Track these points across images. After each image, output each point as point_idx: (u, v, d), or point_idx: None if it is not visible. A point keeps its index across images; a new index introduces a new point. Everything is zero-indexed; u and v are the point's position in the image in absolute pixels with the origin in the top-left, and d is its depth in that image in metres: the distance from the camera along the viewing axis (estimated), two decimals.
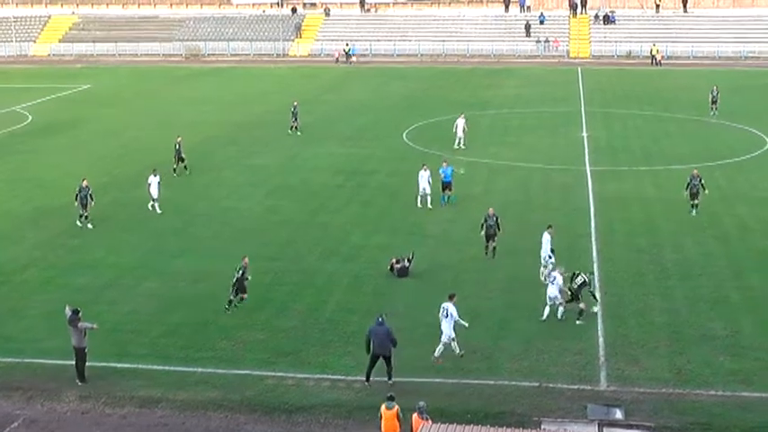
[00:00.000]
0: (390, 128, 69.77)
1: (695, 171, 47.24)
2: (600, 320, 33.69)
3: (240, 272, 34.89)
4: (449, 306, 30.90)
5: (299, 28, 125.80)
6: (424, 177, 48.10)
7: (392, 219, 46.61)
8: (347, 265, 39.78)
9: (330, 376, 29.63)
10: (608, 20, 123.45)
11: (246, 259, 35.51)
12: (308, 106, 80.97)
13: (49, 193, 52.10)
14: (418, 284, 37.38)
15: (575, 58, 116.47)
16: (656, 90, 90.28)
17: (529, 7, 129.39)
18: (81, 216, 45.55)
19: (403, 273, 38.10)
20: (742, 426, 25.76)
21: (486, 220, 40.49)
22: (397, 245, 40.82)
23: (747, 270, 38.98)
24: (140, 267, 39.96)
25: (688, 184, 46.81)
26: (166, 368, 30.26)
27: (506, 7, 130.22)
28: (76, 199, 45.43)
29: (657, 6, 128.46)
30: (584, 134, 67.43)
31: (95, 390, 28.81)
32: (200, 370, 30.10)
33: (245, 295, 34.94)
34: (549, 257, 37.24)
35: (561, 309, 33.88)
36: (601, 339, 32.22)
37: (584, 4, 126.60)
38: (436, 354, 30.65)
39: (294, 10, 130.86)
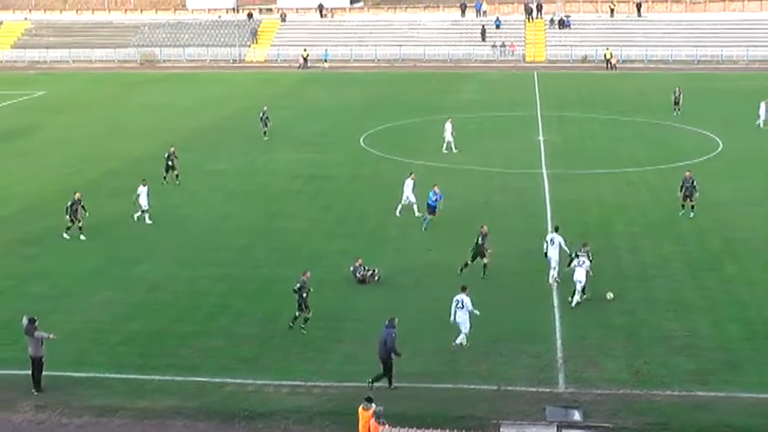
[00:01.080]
0: (348, 133, 69.79)
1: (688, 173, 47.36)
2: (558, 323, 33.88)
3: (298, 286, 33.37)
4: (463, 297, 32.09)
5: (255, 33, 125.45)
6: (409, 186, 47.48)
7: (351, 223, 46.62)
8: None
9: (290, 382, 29.57)
10: (563, 24, 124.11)
11: (309, 273, 34.27)
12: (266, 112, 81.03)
13: (1, 202, 51.57)
14: (379, 289, 37.37)
15: (531, 62, 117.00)
16: (611, 94, 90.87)
17: (485, 12, 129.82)
18: (69, 228, 44.60)
19: (363, 281, 38.04)
20: (698, 425, 25.98)
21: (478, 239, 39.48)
22: (356, 250, 40.77)
23: (703, 271, 39.34)
24: (97, 276, 39.69)
25: (682, 186, 46.93)
26: (124, 376, 30.08)
27: (463, 12, 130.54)
28: (67, 212, 44.35)
29: (612, 11, 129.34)
30: (541, 138, 67.74)
31: (52, 399, 28.53)
32: (158, 378, 29.94)
33: (309, 312, 33.51)
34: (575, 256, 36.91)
35: (577, 296, 35.23)
36: (559, 342, 32.41)
37: (539, 9, 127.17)
38: (458, 342, 31.91)
39: (250, 15, 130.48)
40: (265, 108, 69.27)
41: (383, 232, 45.27)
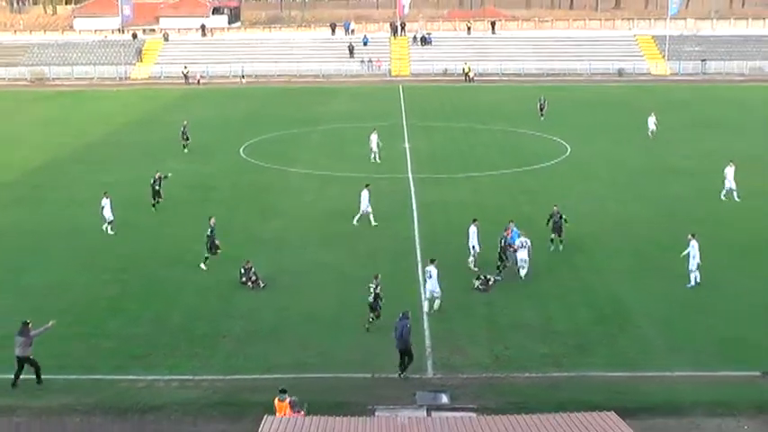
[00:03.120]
0: (229, 144, 69.18)
1: (555, 207, 42.50)
2: (425, 315, 34.13)
3: (210, 231, 39.82)
4: (431, 268, 34.33)
5: (139, 52, 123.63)
6: (365, 197, 46.28)
7: (233, 229, 46.20)
8: (193, 274, 39.28)
9: (179, 377, 29.23)
10: (425, 41, 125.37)
11: (213, 219, 40.80)
12: (152, 126, 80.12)
13: None
14: (259, 288, 37.13)
15: (396, 76, 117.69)
16: (469, 104, 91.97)
17: (353, 30, 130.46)
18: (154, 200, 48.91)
19: (251, 283, 37.63)
20: (554, 403, 26.37)
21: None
22: (239, 253, 40.44)
23: (557, 262, 40.09)
24: None
25: (549, 220, 42.21)
26: (22, 377, 29.12)
27: (332, 31, 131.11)
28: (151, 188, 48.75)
29: (469, 29, 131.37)
30: (407, 145, 68.19)
31: None
32: (55, 377, 29.19)
33: (219, 251, 39.72)
34: (474, 248, 38.79)
35: (523, 271, 37.51)
36: (427, 332, 32.65)
37: (403, 28, 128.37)
38: (426, 309, 34.18)
39: (135, 36, 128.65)
40: (185, 123, 67.95)
41: (262, 235, 45.03)
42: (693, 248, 36.79)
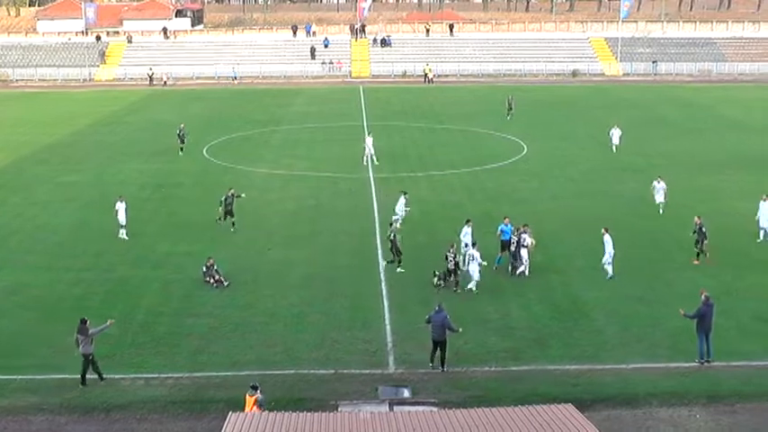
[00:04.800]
0: (192, 145, 68.56)
1: (522, 227, 39.02)
2: (387, 312, 34.10)
3: (224, 199, 43.57)
4: (473, 252, 36.17)
5: (103, 54, 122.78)
6: (401, 203, 45.02)
7: (196, 227, 45.95)
8: (156, 272, 38.95)
9: (144, 375, 28.92)
10: (385, 43, 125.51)
11: (233, 190, 44.48)
12: (115, 127, 79.53)
13: None
14: (222, 286, 36.88)
15: (357, 77, 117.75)
16: (429, 105, 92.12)
17: (314, 32, 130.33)
18: (220, 221, 45.39)
19: (213, 281, 37.30)
20: (513, 396, 26.45)
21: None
22: (201, 251, 40.23)
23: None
24: None
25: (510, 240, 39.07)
26: (20, 377, 28.79)
27: (294, 33, 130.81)
28: (220, 205, 45.32)
29: (428, 31, 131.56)
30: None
31: None
32: (20, 377, 28.82)
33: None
34: (467, 246, 38.46)
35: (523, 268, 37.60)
36: (389, 328, 32.61)
37: (363, 30, 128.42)
38: (469, 286, 35.82)
39: (98, 38, 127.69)
40: (182, 125, 67.00)
41: (226, 235, 44.75)
42: (608, 243, 37.32)
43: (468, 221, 39.81)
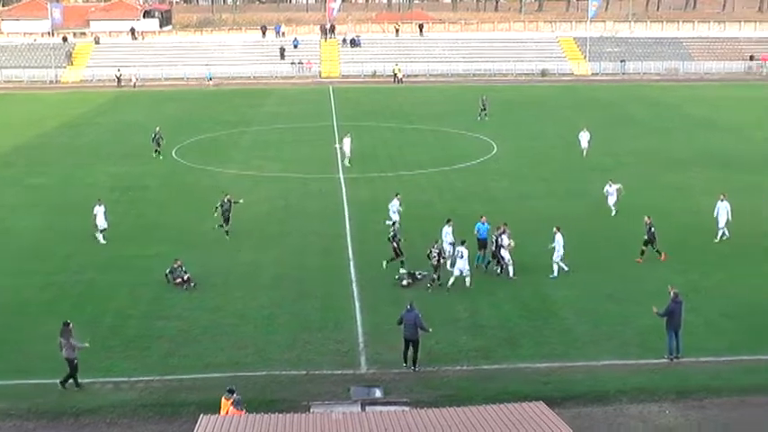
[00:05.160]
0: (154, 145, 68.31)
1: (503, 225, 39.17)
2: (358, 312, 34.11)
3: (220, 205, 42.79)
4: (463, 249, 36.18)
5: (70, 56, 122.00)
6: (395, 205, 44.38)
7: (164, 229, 45.76)
8: (125, 275, 38.71)
9: (113, 379, 28.73)
10: (354, 43, 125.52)
11: (230, 196, 43.61)
12: (83, 129, 79.03)
13: None
14: (192, 288, 36.73)
15: (326, 77, 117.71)
16: (398, 105, 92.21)
17: (284, 33, 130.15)
18: (222, 227, 43.89)
19: (180, 282, 37.18)
20: (484, 394, 26.53)
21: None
22: (169, 253, 40.04)
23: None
24: None
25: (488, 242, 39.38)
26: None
27: (263, 33, 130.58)
28: (216, 210, 44.13)
29: (397, 31, 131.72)
30: (338, 146, 67.88)
31: None
32: None
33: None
34: (452, 245, 38.49)
35: (511, 269, 37.77)
36: (359, 329, 32.61)
37: (332, 30, 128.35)
38: (449, 284, 36.11)
39: (65, 39, 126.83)
40: (158, 129, 65.97)
41: (195, 236, 44.63)
42: (558, 243, 37.76)
43: (448, 221, 39.73)
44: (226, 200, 44.25)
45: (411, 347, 29.38)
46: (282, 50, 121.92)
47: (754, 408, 26.77)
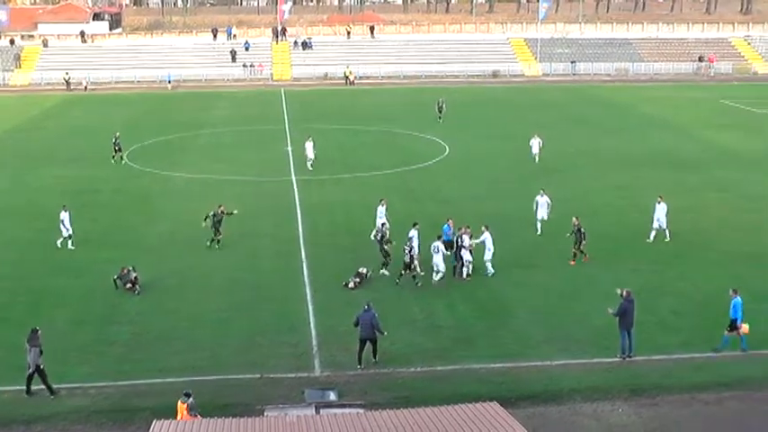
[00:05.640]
0: (111, 150, 67.70)
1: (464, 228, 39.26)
2: (311, 315, 34.07)
3: (213, 215, 41.54)
4: (438, 244, 37.20)
5: (18, 59, 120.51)
6: (381, 212, 42.85)
7: (117, 234, 45.40)
8: (78, 280, 38.38)
9: (67, 385, 28.44)
10: (306, 46, 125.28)
11: (223, 207, 42.34)
12: (31, 133, 78.14)
13: None
14: (144, 293, 36.49)
15: (278, 80, 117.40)
16: (351, 107, 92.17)
17: (235, 35, 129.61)
18: (213, 240, 42.46)
19: (129, 286, 36.88)
20: (439, 395, 26.58)
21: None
22: (122, 258, 39.76)
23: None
24: None
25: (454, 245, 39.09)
26: None
27: (214, 36, 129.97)
28: (205, 220, 42.44)
29: (348, 33, 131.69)
30: (289, 148, 67.93)
31: None
32: None
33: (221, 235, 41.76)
34: (383, 225, 40.44)
35: (465, 270, 37.94)
36: (313, 331, 32.57)
37: (284, 32, 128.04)
38: (435, 279, 36.92)
39: (12, 41, 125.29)
40: (117, 134, 64.65)
41: (147, 239, 44.35)
42: (488, 240, 38.18)
43: (415, 225, 39.13)
44: (219, 211, 42.66)
45: (370, 345, 29.61)
46: (234, 53, 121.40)
47: (706, 405, 27.10)
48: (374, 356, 29.75)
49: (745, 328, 30.39)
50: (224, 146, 70.80)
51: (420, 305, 34.85)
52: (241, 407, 26.26)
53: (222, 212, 42.72)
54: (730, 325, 30.48)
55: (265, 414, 24.43)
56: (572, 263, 39.68)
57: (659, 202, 43.03)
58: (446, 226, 39.85)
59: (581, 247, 39.74)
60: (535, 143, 61.97)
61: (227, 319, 33.77)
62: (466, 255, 37.99)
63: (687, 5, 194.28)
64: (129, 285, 36.52)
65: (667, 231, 42.95)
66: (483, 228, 38.61)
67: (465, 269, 37.98)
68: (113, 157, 63.33)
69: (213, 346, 31.36)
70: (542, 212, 44.11)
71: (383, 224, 41.78)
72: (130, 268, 37.00)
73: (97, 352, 30.86)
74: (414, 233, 38.85)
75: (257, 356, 30.45)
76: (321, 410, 23.91)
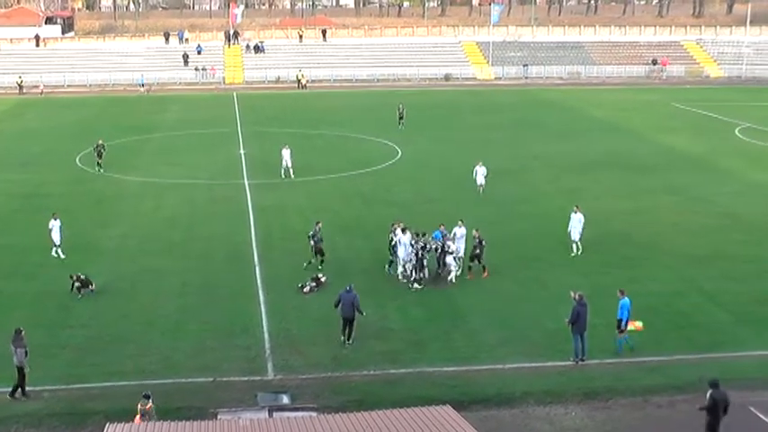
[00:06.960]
0: (64, 154, 67.06)
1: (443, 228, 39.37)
2: (264, 317, 33.97)
3: (312, 235, 39.39)
4: (401, 236, 37.55)
5: None
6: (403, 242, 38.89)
7: (70, 237, 44.86)
8: (29, 284, 37.97)
9: None
10: (258, 49, 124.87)
11: (320, 224, 40.10)
12: None
13: None
14: (98, 296, 36.18)
15: (230, 84, 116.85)
16: (303, 110, 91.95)
17: (187, 39, 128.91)
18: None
19: (80, 287, 36.55)
20: (391, 398, 26.55)
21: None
22: (75, 262, 39.41)
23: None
24: None
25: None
26: None
27: (166, 40, 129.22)
28: (310, 239, 39.64)
29: (301, 37, 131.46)
30: (242, 151, 67.69)
31: None
32: None
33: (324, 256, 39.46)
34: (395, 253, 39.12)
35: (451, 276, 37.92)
36: (266, 335, 32.47)
37: (236, 36, 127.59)
38: (400, 276, 37.71)
39: None
40: (100, 141, 63.19)
41: (100, 243, 43.97)
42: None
43: (404, 230, 38.60)
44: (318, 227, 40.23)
45: (348, 326, 31.22)
46: (186, 57, 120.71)
47: (658, 408, 27.34)
48: (348, 339, 31.18)
49: (637, 324, 30.94)
50: (177, 149, 70.32)
51: (372, 308, 34.65)
52: (194, 410, 26.09)
53: (320, 229, 40.19)
54: (618, 326, 30.88)
55: (218, 417, 24.29)
56: (469, 277, 38.49)
57: (575, 212, 41.71)
58: (437, 232, 38.93)
59: (481, 260, 38.68)
60: (480, 171, 53.95)
61: (179, 323, 33.59)
62: (450, 260, 37.93)
63: (639, 9, 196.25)
64: (82, 290, 36.19)
65: (578, 244, 41.61)
66: (459, 222, 39.42)
67: (453, 275, 37.90)
68: (99, 165, 61.44)
69: (166, 349, 31.18)
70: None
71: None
72: (81, 275, 36.69)
73: (50, 355, 30.53)
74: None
75: (210, 360, 30.32)
76: (274, 414, 23.83)
